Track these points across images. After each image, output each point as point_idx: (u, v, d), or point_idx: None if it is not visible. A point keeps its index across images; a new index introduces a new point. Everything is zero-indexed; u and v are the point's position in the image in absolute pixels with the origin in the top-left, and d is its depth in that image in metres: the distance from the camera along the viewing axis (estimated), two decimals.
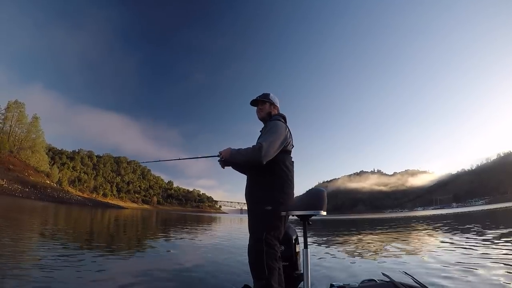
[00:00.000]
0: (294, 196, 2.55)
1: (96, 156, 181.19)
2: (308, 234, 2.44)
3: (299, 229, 2.81)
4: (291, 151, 2.64)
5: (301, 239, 2.65)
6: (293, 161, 2.64)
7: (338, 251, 7.38)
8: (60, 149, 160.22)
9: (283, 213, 2.40)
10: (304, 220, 2.34)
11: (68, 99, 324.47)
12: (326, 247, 8.26)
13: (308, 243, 2.31)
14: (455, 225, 16.01)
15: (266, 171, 2.48)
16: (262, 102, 2.83)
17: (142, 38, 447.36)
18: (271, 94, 2.86)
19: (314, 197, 2.30)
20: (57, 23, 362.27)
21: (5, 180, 61.91)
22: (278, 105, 2.87)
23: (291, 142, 2.61)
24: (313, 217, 2.38)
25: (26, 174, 77.71)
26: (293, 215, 2.39)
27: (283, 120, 2.70)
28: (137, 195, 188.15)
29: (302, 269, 2.58)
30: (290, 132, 2.64)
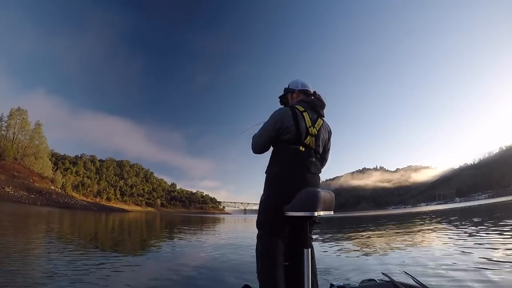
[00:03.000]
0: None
1: (99, 161, 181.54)
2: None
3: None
4: (292, 139, 2.34)
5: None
6: (299, 149, 2.34)
7: (339, 250, 7.41)
8: (62, 154, 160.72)
9: (289, 213, 2.21)
10: (305, 220, 2.23)
11: (71, 104, 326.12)
12: (327, 246, 8.29)
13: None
14: (456, 220, 15.99)
15: (270, 161, 2.46)
16: (284, 97, 2.77)
17: (145, 41, 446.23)
18: (291, 81, 2.74)
19: (314, 197, 2.14)
20: (60, 28, 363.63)
21: (11, 187, 62.18)
22: (299, 88, 2.66)
23: (290, 131, 2.33)
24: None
25: (31, 180, 77.94)
26: (292, 215, 2.22)
27: (289, 108, 2.43)
28: (140, 198, 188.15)
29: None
30: (292, 117, 2.35)
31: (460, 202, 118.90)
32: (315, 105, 2.52)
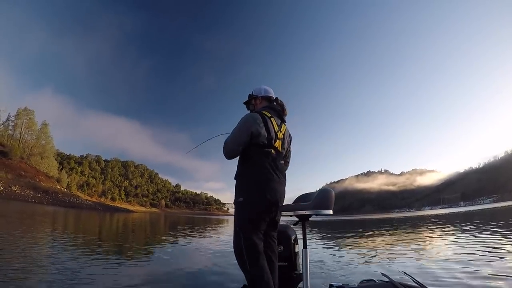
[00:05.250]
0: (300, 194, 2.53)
1: (104, 161, 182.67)
2: (310, 235, 2.43)
3: (298, 229, 2.71)
4: (264, 143, 2.46)
5: (300, 239, 2.62)
6: (271, 152, 2.48)
7: (338, 251, 7.43)
8: (68, 154, 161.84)
9: (283, 213, 2.39)
10: (303, 220, 2.30)
11: (77, 104, 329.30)
12: (326, 247, 8.32)
13: (307, 243, 2.28)
14: (458, 224, 15.87)
15: (241, 164, 2.54)
16: (249, 102, 2.92)
17: (153, 43, 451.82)
18: (255, 88, 2.87)
19: (318, 196, 2.19)
20: (69, 29, 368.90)
21: (17, 186, 62.87)
22: (262, 94, 2.80)
23: (262, 135, 2.44)
24: (316, 217, 2.36)
25: (38, 180, 78.67)
26: (291, 215, 2.31)
27: (257, 113, 2.56)
28: (145, 199, 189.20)
29: (301, 269, 2.57)
30: (265, 123, 2.48)
31: (465, 206, 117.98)
32: (279, 111, 2.69)
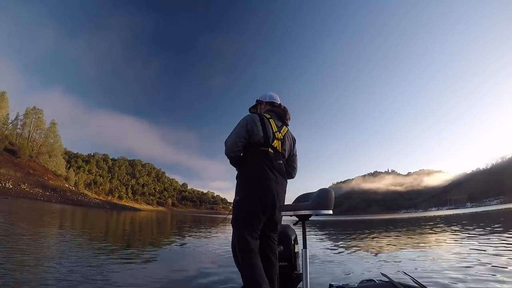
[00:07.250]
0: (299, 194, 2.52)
1: (111, 159, 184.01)
2: (311, 235, 2.42)
3: (298, 229, 2.66)
4: (261, 141, 2.52)
5: (300, 239, 2.61)
6: (268, 151, 2.52)
7: (338, 251, 7.44)
8: (75, 152, 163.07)
9: (283, 213, 2.39)
10: (303, 220, 2.28)
11: (86, 103, 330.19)
12: (326, 247, 8.33)
13: (307, 243, 2.25)
14: (461, 225, 15.76)
15: (241, 164, 2.60)
16: (254, 107, 3.04)
17: (162, 43, 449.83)
18: (261, 94, 2.99)
19: (317, 196, 2.15)
20: (80, 29, 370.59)
21: (26, 184, 63.76)
22: (267, 100, 2.91)
23: (259, 134, 2.52)
24: (318, 217, 2.34)
25: (46, 178, 79.69)
26: (291, 215, 2.29)
27: (257, 115, 2.66)
28: (152, 198, 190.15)
29: (301, 269, 2.59)
30: (260, 123, 2.56)
31: (471, 207, 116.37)
32: (280, 114, 2.78)
